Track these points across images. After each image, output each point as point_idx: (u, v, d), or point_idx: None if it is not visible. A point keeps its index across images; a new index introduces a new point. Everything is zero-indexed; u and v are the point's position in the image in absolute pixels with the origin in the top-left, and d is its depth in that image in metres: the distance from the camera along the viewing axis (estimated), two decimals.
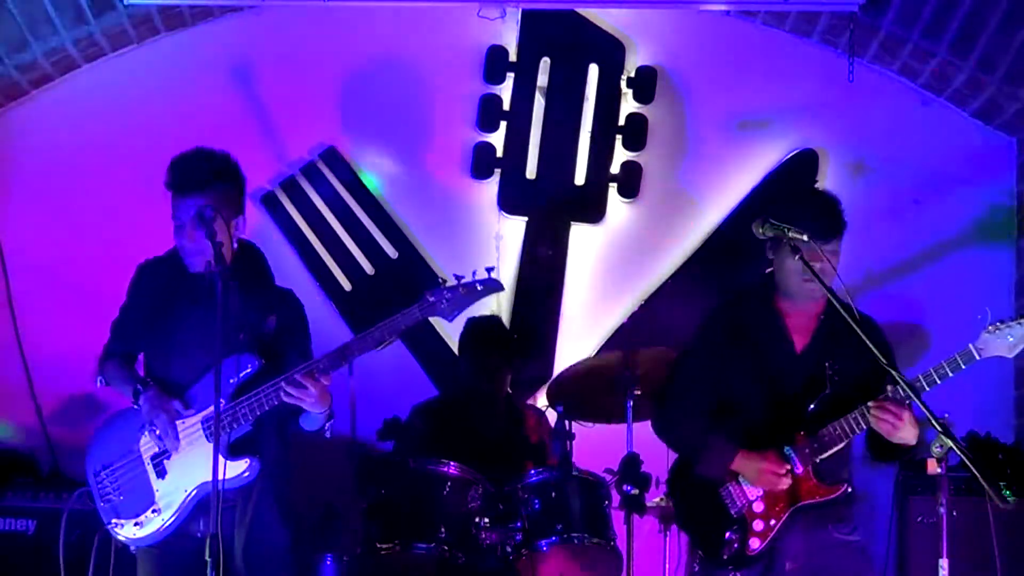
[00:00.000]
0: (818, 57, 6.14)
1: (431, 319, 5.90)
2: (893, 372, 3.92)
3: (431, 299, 4.01)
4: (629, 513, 4.92)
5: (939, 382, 3.98)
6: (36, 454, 5.67)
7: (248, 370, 4.02)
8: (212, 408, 3.99)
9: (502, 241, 6.16)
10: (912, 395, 3.92)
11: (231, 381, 4.02)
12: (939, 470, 3.89)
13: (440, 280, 4.05)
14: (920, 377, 3.99)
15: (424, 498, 4.77)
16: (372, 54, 6.18)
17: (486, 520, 4.77)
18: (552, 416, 5.16)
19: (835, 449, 4.13)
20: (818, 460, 4.14)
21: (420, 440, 5.27)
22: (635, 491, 4.86)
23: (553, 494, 4.83)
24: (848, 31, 5.83)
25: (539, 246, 6.13)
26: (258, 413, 4.00)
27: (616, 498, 4.94)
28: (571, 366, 5.34)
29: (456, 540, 4.72)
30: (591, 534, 4.81)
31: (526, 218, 6.16)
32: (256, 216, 6.12)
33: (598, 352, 6.02)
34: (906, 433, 4.01)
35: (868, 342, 3.90)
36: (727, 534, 4.23)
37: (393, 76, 6.17)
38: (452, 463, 4.82)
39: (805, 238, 4.08)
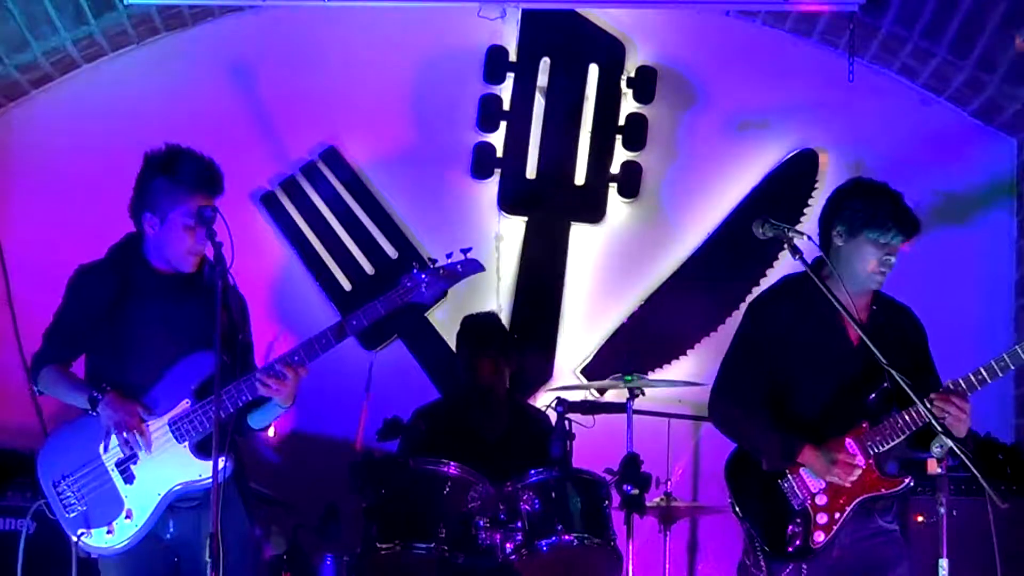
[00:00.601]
0: (818, 57, 6.14)
1: (432, 321, 6.04)
2: (893, 373, 3.93)
3: (408, 284, 3.97)
4: (629, 513, 4.92)
5: (1000, 375, 4.03)
6: (36, 454, 5.65)
7: (212, 368, 3.95)
8: (178, 409, 3.97)
9: (502, 241, 6.16)
10: (913, 396, 3.93)
11: (196, 382, 3.98)
12: (939, 470, 3.89)
13: (414, 264, 4.01)
14: (981, 369, 4.04)
15: (424, 498, 4.77)
16: (372, 54, 6.18)
17: (486, 520, 4.77)
18: (552, 416, 5.17)
19: (896, 441, 4.13)
20: (880, 451, 4.13)
21: (422, 442, 5.26)
22: (635, 491, 4.86)
23: (553, 494, 4.83)
24: (848, 31, 5.84)
25: (539, 246, 6.13)
26: (231, 409, 3.91)
27: (616, 498, 4.94)
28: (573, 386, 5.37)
29: (456, 540, 4.72)
30: (591, 534, 4.80)
31: (526, 218, 6.16)
32: (256, 216, 6.12)
33: (596, 355, 6.05)
34: (964, 425, 4.04)
35: (869, 342, 3.92)
36: (790, 527, 4.20)
37: (393, 76, 6.17)
38: (452, 463, 4.82)
39: (806, 239, 4.10)
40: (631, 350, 6.00)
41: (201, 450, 3.99)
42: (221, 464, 3.79)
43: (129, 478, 4.02)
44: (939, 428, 3.87)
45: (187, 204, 4.04)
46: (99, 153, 6.06)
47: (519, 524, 4.76)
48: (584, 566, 4.88)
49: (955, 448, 3.82)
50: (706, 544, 6.00)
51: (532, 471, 4.90)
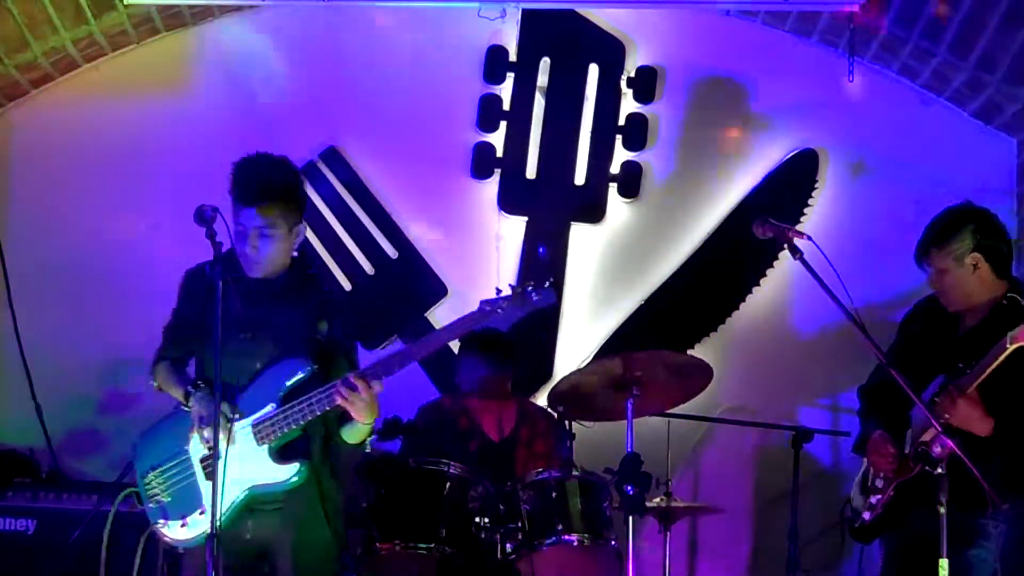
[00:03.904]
0: (818, 57, 6.14)
1: (432, 320, 6.04)
2: (888, 368, 3.94)
3: (487, 308, 4.00)
4: (629, 513, 4.92)
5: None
6: (36, 454, 5.67)
7: (300, 375, 4.02)
8: (262, 412, 4.03)
9: (502, 241, 6.16)
10: (910, 393, 3.95)
11: (286, 384, 4.03)
12: (939, 470, 3.90)
13: (498, 289, 4.04)
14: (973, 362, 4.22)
15: (424, 498, 4.76)
16: (372, 54, 6.18)
17: (486, 520, 4.76)
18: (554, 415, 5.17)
19: (928, 433, 4.26)
20: (919, 441, 4.32)
21: (425, 441, 5.25)
22: (635, 491, 4.86)
23: (553, 494, 4.82)
24: (848, 31, 5.84)
25: (539, 248, 6.13)
26: (308, 418, 3.99)
27: (616, 498, 4.94)
28: (570, 374, 5.33)
29: (456, 540, 4.72)
30: (591, 534, 4.80)
31: (526, 218, 6.16)
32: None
33: (595, 355, 6.03)
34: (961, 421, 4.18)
35: (871, 341, 3.94)
36: (862, 511, 4.61)
37: (393, 76, 6.17)
38: (452, 463, 4.82)
39: (806, 239, 4.11)
40: (631, 350, 5.98)
41: (280, 454, 4.04)
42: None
43: (210, 475, 4.07)
44: (938, 428, 3.88)
45: (238, 211, 4.11)
46: (99, 153, 6.06)
47: (519, 524, 4.76)
48: (584, 566, 4.88)
49: (955, 448, 3.83)
50: (706, 544, 6.00)
51: (532, 471, 4.91)
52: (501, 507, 4.80)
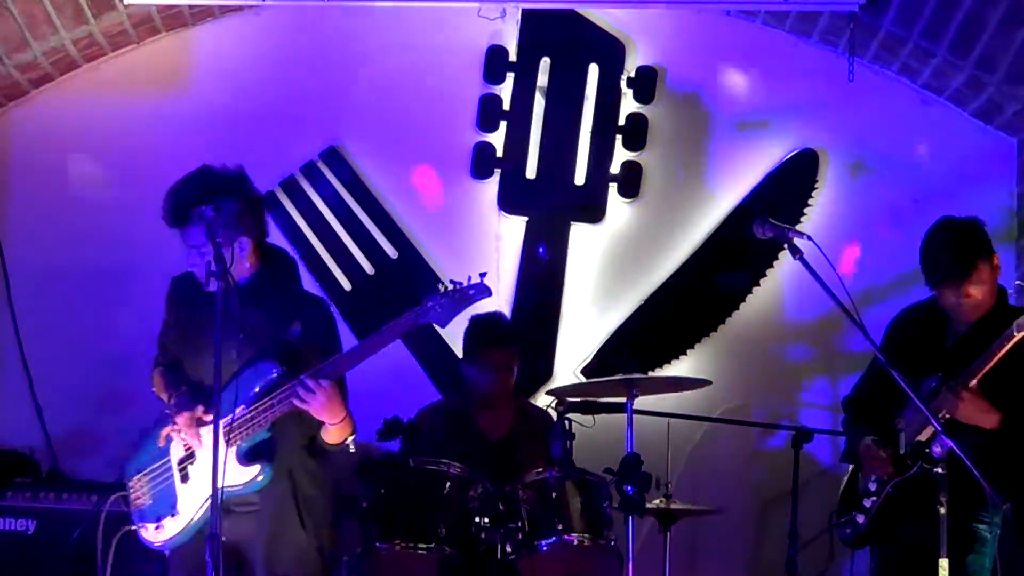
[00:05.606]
0: (818, 57, 6.14)
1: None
2: (889, 368, 3.94)
3: (428, 304, 4.04)
4: (629, 513, 4.92)
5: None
6: (36, 454, 5.67)
7: (269, 377, 4.03)
8: (232, 415, 4.04)
9: (502, 241, 6.16)
10: (909, 392, 3.95)
11: (256, 387, 4.05)
12: (939, 470, 3.90)
13: (440, 285, 4.06)
14: None
15: (424, 498, 4.76)
16: (372, 54, 6.18)
17: (486, 520, 4.76)
18: (553, 415, 5.16)
19: (924, 431, 4.29)
20: (911, 441, 4.35)
21: (425, 442, 5.25)
22: (635, 491, 4.86)
23: (553, 494, 4.82)
24: (848, 31, 5.84)
25: (539, 248, 6.13)
26: (271, 419, 4.02)
27: (616, 498, 4.94)
28: (570, 386, 5.36)
29: (456, 540, 4.72)
30: (591, 534, 4.80)
31: (526, 218, 6.16)
32: None
33: (596, 354, 6.04)
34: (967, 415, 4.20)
35: (871, 341, 3.94)
36: (854, 514, 4.60)
37: (393, 76, 6.17)
38: (452, 463, 4.81)
39: (806, 239, 4.11)
40: (631, 350, 5.99)
41: (247, 456, 4.07)
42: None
43: (185, 477, 4.13)
44: (938, 428, 3.88)
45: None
46: (99, 153, 6.07)
47: (519, 524, 4.76)
48: (584, 566, 4.88)
49: (955, 448, 3.83)
50: (706, 544, 6.00)
51: (532, 471, 4.90)
52: (501, 507, 4.80)
